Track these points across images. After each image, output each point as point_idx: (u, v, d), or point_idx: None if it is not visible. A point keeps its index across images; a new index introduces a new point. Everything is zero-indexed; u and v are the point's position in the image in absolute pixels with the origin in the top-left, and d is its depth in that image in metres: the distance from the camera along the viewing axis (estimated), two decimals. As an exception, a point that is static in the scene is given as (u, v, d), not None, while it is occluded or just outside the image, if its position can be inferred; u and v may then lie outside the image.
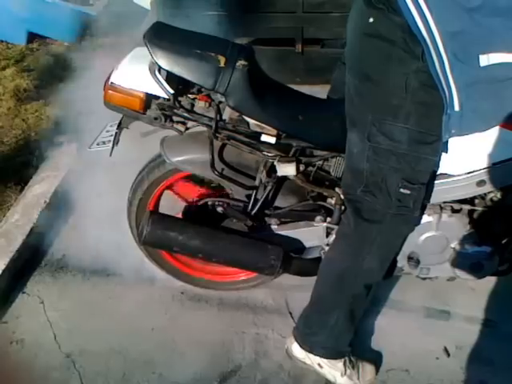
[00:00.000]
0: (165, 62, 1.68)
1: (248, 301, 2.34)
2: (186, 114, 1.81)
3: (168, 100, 1.77)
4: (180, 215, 2.08)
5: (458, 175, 1.79)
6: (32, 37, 3.96)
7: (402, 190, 1.64)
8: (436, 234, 1.96)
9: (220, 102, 1.78)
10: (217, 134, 1.82)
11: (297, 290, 2.28)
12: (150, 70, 1.73)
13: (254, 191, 1.96)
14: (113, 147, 1.91)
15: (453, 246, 1.99)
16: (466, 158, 1.74)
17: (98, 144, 1.92)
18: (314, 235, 2.05)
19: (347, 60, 1.65)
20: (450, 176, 1.79)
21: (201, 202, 2.08)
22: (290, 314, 2.28)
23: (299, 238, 2.07)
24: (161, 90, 1.74)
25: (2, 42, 4.00)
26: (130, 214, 2.15)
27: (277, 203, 2.01)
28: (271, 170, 1.90)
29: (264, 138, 1.82)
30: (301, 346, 2.00)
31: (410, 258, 2.01)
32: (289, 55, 3.30)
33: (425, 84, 1.45)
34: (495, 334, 2.20)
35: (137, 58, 1.81)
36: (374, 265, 1.83)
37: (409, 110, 1.50)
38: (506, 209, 1.90)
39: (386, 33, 1.44)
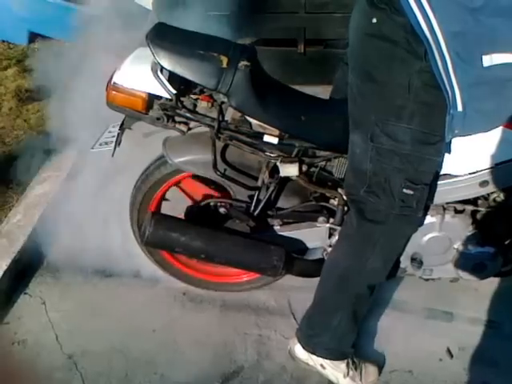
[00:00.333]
0: (167, 62, 1.68)
1: (250, 302, 2.34)
2: (188, 115, 1.81)
3: (170, 100, 1.77)
4: (182, 216, 2.07)
5: (461, 176, 1.78)
6: (33, 37, 3.96)
7: (405, 191, 1.63)
8: (439, 234, 1.96)
9: (222, 103, 1.78)
10: (219, 135, 1.82)
11: (299, 291, 2.27)
12: (152, 70, 1.73)
13: (257, 192, 1.95)
14: (115, 148, 1.91)
15: (456, 246, 1.99)
16: (468, 158, 1.74)
17: (100, 144, 1.92)
18: (316, 236, 2.05)
19: (350, 60, 1.64)
20: (452, 176, 1.79)
21: (203, 203, 2.07)
22: (293, 315, 2.27)
23: (302, 239, 2.07)
24: (163, 91, 1.74)
25: (4, 42, 4.00)
26: (132, 214, 2.14)
27: (279, 204, 2.01)
28: (274, 171, 1.90)
29: (266, 138, 1.82)
30: (303, 348, 2.00)
31: (413, 259, 2.01)
32: (291, 56, 3.30)
33: (428, 84, 1.45)
34: (498, 335, 2.19)
35: (139, 59, 1.81)
36: (377, 265, 1.83)
37: (412, 110, 1.50)
38: (509, 209, 1.90)
39: (389, 33, 1.43)
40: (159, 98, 1.78)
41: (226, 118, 1.82)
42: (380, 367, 2.08)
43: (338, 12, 3.06)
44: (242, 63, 1.70)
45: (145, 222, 1.95)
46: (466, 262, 2.00)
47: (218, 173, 1.88)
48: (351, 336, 1.97)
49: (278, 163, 1.86)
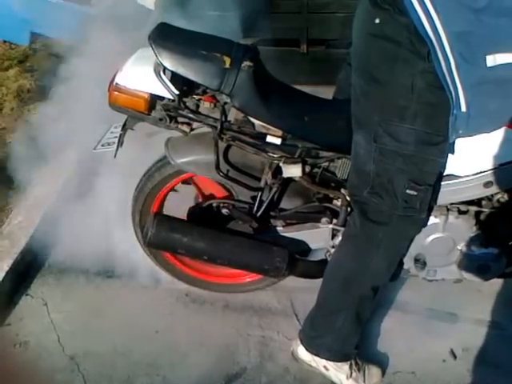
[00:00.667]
0: (170, 62, 1.68)
1: (253, 303, 2.33)
2: (190, 115, 1.80)
3: (173, 101, 1.77)
4: (185, 217, 2.07)
5: (465, 176, 1.78)
6: (35, 37, 3.95)
7: (408, 192, 1.63)
8: (443, 235, 1.95)
9: (225, 103, 1.78)
10: (222, 135, 1.81)
11: (302, 292, 2.26)
12: (154, 70, 1.73)
13: (260, 193, 1.95)
14: (117, 148, 1.91)
15: (459, 247, 1.98)
16: (472, 159, 1.74)
17: (102, 145, 1.92)
18: (319, 237, 2.04)
19: (353, 61, 1.64)
20: (456, 177, 1.78)
21: (205, 204, 2.06)
22: (296, 316, 2.27)
23: (305, 240, 2.06)
24: (166, 91, 1.74)
25: (5, 42, 3.99)
26: (134, 215, 2.14)
27: (282, 205, 2.00)
28: (276, 172, 1.89)
29: (269, 139, 1.81)
30: (306, 349, 1.99)
31: (416, 260, 2.00)
32: (293, 56, 3.29)
33: (431, 85, 1.44)
34: (502, 336, 2.18)
35: (141, 59, 1.81)
36: (380, 267, 1.82)
37: (415, 110, 1.49)
38: (513, 210, 1.89)
39: (392, 33, 1.43)
40: (162, 98, 1.78)
41: (228, 119, 1.82)
42: (383, 368, 2.08)
43: (341, 12, 3.06)
44: (245, 63, 1.69)
45: (147, 223, 1.95)
46: (469, 263, 1.99)
47: (221, 173, 1.88)
48: (354, 337, 1.97)
49: (280, 164, 1.86)
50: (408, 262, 2.00)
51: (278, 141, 1.81)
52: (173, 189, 2.12)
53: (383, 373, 2.06)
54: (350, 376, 1.99)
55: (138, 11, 2.80)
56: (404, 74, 1.46)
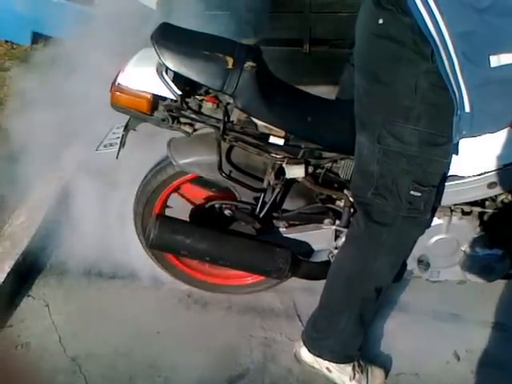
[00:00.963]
0: (172, 62, 1.67)
1: (256, 304, 2.32)
2: (193, 116, 1.79)
3: (175, 101, 1.76)
4: (187, 218, 2.06)
5: (469, 177, 1.78)
6: (37, 37, 3.94)
7: (412, 193, 1.62)
8: (446, 236, 1.95)
9: (228, 104, 1.77)
10: (224, 136, 1.80)
11: (305, 294, 2.26)
12: (157, 71, 1.72)
13: (262, 193, 1.94)
14: (119, 149, 1.90)
15: (463, 248, 1.98)
16: (476, 159, 1.74)
17: (104, 146, 1.91)
18: (322, 238, 2.04)
19: (356, 61, 1.63)
20: (460, 178, 1.78)
21: (208, 205, 2.06)
22: (299, 317, 2.26)
23: (307, 241, 2.05)
24: (168, 92, 1.73)
25: (7, 42, 3.98)
26: (136, 216, 2.13)
27: (285, 206, 2.00)
28: (279, 172, 1.89)
29: (272, 139, 1.80)
30: (309, 351, 1.98)
31: (419, 261, 2.00)
32: (296, 55, 3.29)
33: (435, 85, 1.44)
34: (506, 338, 2.17)
35: (143, 59, 1.80)
36: (383, 268, 1.81)
37: (419, 111, 1.49)
38: (517, 211, 1.88)
39: (396, 34, 1.42)
40: (164, 99, 1.77)
41: (231, 119, 1.81)
42: (386, 370, 2.07)
43: (344, 12, 3.06)
44: (248, 64, 1.69)
45: (149, 224, 1.95)
46: (473, 264, 1.99)
47: (224, 174, 1.87)
48: (358, 339, 1.96)
49: (283, 165, 1.85)
50: (411, 263, 2.00)
51: (280, 141, 1.80)
52: (175, 190, 2.12)
53: (386, 374, 2.06)
54: (353, 377, 1.98)
55: (140, 11, 2.80)
56: (407, 75, 1.45)
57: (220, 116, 1.78)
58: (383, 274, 1.84)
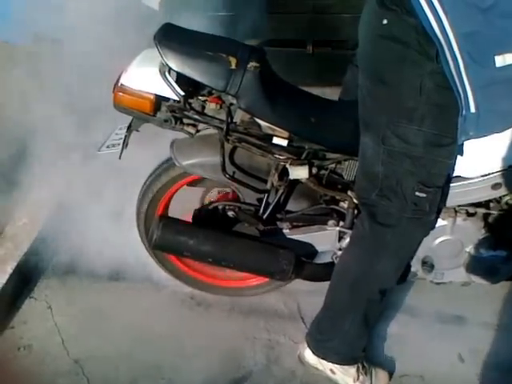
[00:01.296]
0: (175, 63, 1.66)
1: (259, 306, 2.32)
2: (196, 116, 1.79)
3: (178, 102, 1.75)
4: (190, 219, 2.05)
5: (473, 178, 1.77)
6: (38, 38, 3.93)
7: (417, 194, 1.61)
8: (451, 238, 1.94)
9: (231, 104, 1.76)
10: (228, 137, 1.80)
11: (309, 295, 2.25)
12: (160, 71, 1.71)
13: (266, 195, 1.93)
14: (122, 150, 1.89)
15: (467, 250, 1.97)
16: (481, 160, 1.73)
17: (107, 147, 1.90)
18: (326, 239, 2.03)
19: (360, 62, 1.62)
20: (464, 179, 1.77)
21: (211, 206, 2.05)
22: (302, 319, 2.25)
23: (311, 243, 2.05)
24: (171, 92, 1.72)
25: (8, 43, 3.97)
26: (139, 218, 2.12)
27: (289, 207, 1.99)
28: (283, 173, 1.88)
29: (276, 140, 1.79)
30: (313, 352, 1.98)
31: (424, 263, 1.99)
32: (299, 56, 3.29)
33: (440, 86, 1.43)
34: (511, 340, 2.16)
35: (146, 60, 1.79)
36: (388, 269, 1.81)
37: (423, 112, 1.48)
38: (521, 212, 1.87)
39: (400, 34, 1.41)
40: (167, 99, 1.76)
41: (234, 120, 1.80)
42: (390, 372, 2.06)
43: (347, 13, 3.05)
44: (251, 64, 1.68)
45: (152, 225, 1.94)
46: (477, 265, 1.98)
47: (227, 176, 1.86)
48: (362, 341, 1.95)
49: (287, 166, 1.84)
50: (415, 265, 1.99)
51: (284, 142, 1.79)
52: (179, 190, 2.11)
53: (390, 376, 2.05)
54: (357, 379, 1.98)
55: (143, 11, 2.79)
56: (412, 75, 1.44)
57: (223, 117, 1.77)
58: (387, 276, 1.83)
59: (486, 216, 1.91)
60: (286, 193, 1.94)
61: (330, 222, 2.00)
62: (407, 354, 2.12)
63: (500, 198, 1.86)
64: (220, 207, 2.05)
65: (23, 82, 3.13)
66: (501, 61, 1.36)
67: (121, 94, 1.77)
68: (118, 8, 2.65)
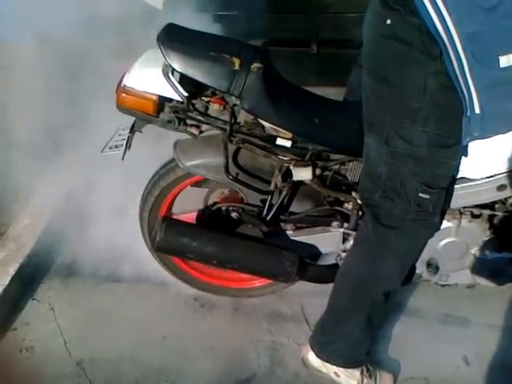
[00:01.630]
0: (179, 64, 1.65)
1: (263, 308, 2.30)
2: (199, 117, 1.78)
3: (182, 103, 1.74)
4: (193, 220, 2.04)
5: (478, 179, 1.75)
6: (41, 38, 3.93)
7: (421, 195, 1.60)
8: (455, 239, 1.93)
9: (235, 105, 1.75)
10: (231, 138, 1.79)
11: (313, 297, 2.24)
12: (163, 72, 1.70)
13: (269, 196, 1.92)
14: (125, 151, 1.89)
15: (473, 252, 1.96)
16: (486, 161, 1.72)
17: (110, 148, 1.90)
18: (330, 241, 2.02)
19: (364, 62, 1.61)
20: (469, 180, 1.76)
21: (214, 207, 2.04)
22: (306, 321, 2.24)
23: (315, 244, 2.03)
24: (174, 93, 1.71)
25: (10, 43, 3.97)
26: (142, 219, 2.12)
27: (292, 208, 1.97)
28: (287, 175, 1.87)
29: (279, 141, 1.78)
30: (317, 355, 1.96)
31: (428, 265, 1.98)
32: (303, 56, 3.28)
33: (443, 86, 1.41)
34: (516, 342, 2.15)
35: (149, 60, 1.78)
36: (392, 271, 1.79)
37: (427, 112, 1.47)
38: (527, 214, 1.86)
39: (404, 34, 1.40)
40: (170, 100, 1.75)
41: (238, 121, 1.79)
42: (395, 375, 2.04)
43: (351, 12, 3.04)
44: (255, 65, 1.67)
45: (155, 227, 1.93)
46: (483, 267, 1.97)
47: (230, 177, 1.85)
48: (366, 343, 1.94)
49: (291, 167, 1.83)
50: (420, 267, 1.98)
51: (288, 143, 1.78)
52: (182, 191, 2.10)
53: (395, 379, 2.03)
54: (362, 382, 1.96)
55: (146, 11, 2.79)
56: (416, 76, 1.43)
57: (226, 118, 1.76)
58: (391, 278, 1.82)
59: (491, 217, 1.90)
60: (289, 194, 1.92)
61: (334, 224, 1.98)
62: (412, 357, 2.10)
63: (505, 199, 1.85)
64: (223, 208, 2.04)
65: (24, 81, 3.13)
66: (505, 61, 1.35)
67: (124, 94, 1.76)
68: (120, 8, 2.64)
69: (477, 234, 1.92)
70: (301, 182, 1.89)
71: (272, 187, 1.91)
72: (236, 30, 2.55)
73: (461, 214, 1.89)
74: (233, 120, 1.76)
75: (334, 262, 2.06)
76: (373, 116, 1.60)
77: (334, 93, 2.02)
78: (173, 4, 2.77)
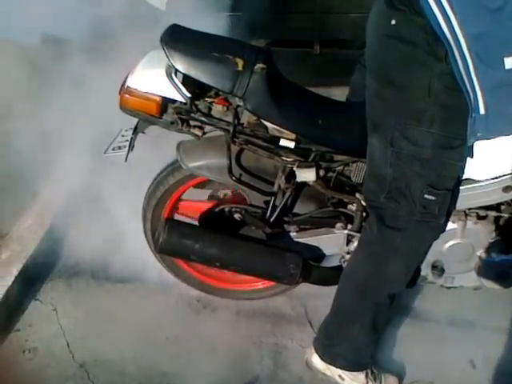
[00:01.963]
0: (182, 64, 1.65)
1: (266, 309, 2.29)
2: (203, 118, 1.77)
3: (185, 104, 1.73)
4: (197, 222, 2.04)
5: (484, 181, 1.74)
6: (45, 37, 3.92)
7: (426, 196, 1.59)
8: (461, 241, 1.91)
9: (238, 106, 1.74)
10: (234, 139, 1.78)
11: (317, 299, 2.23)
12: (166, 73, 1.70)
13: (273, 197, 1.91)
14: (128, 152, 1.88)
15: (478, 254, 1.94)
16: (491, 162, 1.70)
17: (113, 149, 1.88)
18: (334, 243, 2.00)
19: (368, 62, 1.60)
20: (475, 181, 1.74)
21: (218, 209, 2.03)
22: (310, 323, 2.23)
23: (319, 246, 2.02)
24: (177, 94, 1.71)
25: (16, 42, 3.97)
26: (145, 221, 2.11)
27: (296, 210, 1.96)
28: (290, 176, 1.86)
29: (283, 142, 1.77)
30: (321, 358, 1.95)
31: (434, 267, 1.97)
32: (307, 57, 3.28)
33: (449, 87, 1.40)
34: (523, 345, 2.13)
35: (152, 61, 1.77)
36: (397, 273, 1.78)
37: (432, 113, 1.45)
38: (533, 215, 1.84)
39: (409, 35, 1.39)
40: (173, 101, 1.74)
41: (241, 122, 1.78)
42: (400, 378, 2.03)
43: (354, 12, 3.04)
44: (258, 66, 1.66)
45: (158, 228, 1.93)
46: (489, 269, 1.95)
47: (233, 178, 1.84)
48: (371, 346, 1.93)
49: (294, 168, 1.82)
50: (425, 269, 1.96)
51: (291, 144, 1.77)
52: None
53: (400, 382, 2.02)
54: (366, 385, 1.95)
55: (149, 12, 2.78)
56: (421, 76, 1.42)
57: (230, 119, 1.75)
58: (396, 280, 1.81)
59: (497, 219, 1.89)
60: (293, 195, 1.92)
61: (338, 225, 1.97)
62: (417, 360, 2.09)
63: (511, 200, 1.82)
64: (226, 210, 2.03)
65: (30, 80, 3.13)
66: (510, 63, 1.34)
67: (127, 96, 1.76)
68: (124, 9, 2.63)
69: (482, 235, 1.90)
70: (304, 184, 1.88)
71: (275, 188, 1.90)
72: (239, 31, 2.55)
73: (466, 215, 1.87)
74: (236, 121, 1.75)
75: (339, 263, 2.04)
76: (377, 117, 1.59)
77: (337, 93, 2.01)
78: (176, 5, 2.77)
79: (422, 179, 1.56)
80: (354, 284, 1.85)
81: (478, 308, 2.22)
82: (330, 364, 1.94)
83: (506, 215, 1.87)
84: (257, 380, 2.06)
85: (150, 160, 2.17)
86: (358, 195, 1.89)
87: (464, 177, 1.66)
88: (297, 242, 2.01)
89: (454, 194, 1.64)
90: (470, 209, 1.85)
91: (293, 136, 1.76)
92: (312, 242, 2.01)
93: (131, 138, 1.88)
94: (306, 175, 1.82)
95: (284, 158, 1.81)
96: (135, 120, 1.85)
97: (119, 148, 1.90)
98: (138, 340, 2.20)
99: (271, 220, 1.93)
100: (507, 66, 1.33)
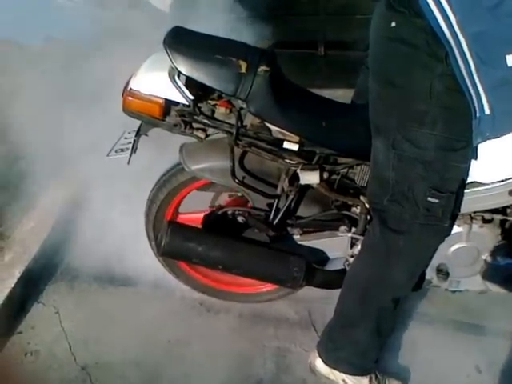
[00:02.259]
0: (185, 67, 1.64)
1: (269, 313, 2.28)
2: (206, 121, 1.76)
3: (188, 106, 1.73)
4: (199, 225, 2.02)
5: (489, 184, 1.72)
6: (48, 39, 3.92)
7: (430, 199, 1.57)
8: (466, 245, 1.89)
9: (241, 108, 1.73)
10: (238, 141, 1.77)
11: (320, 302, 2.22)
12: (169, 75, 1.69)
13: (276, 200, 1.90)
14: (131, 154, 1.87)
15: (484, 257, 1.92)
16: (497, 165, 1.68)
17: (116, 151, 1.88)
18: (338, 246, 1.99)
19: (370, 64, 1.59)
20: (480, 184, 1.72)
21: (221, 212, 2.02)
22: (314, 327, 2.22)
23: (323, 249, 2.01)
24: (180, 96, 1.70)
25: (18, 44, 3.97)
26: (148, 223, 2.10)
27: (299, 212, 1.95)
28: (294, 178, 1.85)
29: (286, 145, 1.76)
30: (325, 362, 1.94)
31: (439, 271, 1.95)
32: (311, 58, 3.27)
33: (450, 88, 1.39)
34: (529, 350, 2.11)
35: (155, 64, 1.77)
36: (401, 277, 1.76)
37: (434, 115, 1.44)
38: (539, 219, 1.82)
39: (409, 37, 1.38)
40: (176, 103, 1.74)
41: (244, 124, 1.77)
42: (405, 383, 2.01)
43: (358, 14, 3.03)
44: (262, 68, 1.65)
45: (161, 231, 1.92)
46: (494, 273, 1.93)
47: (237, 180, 1.83)
48: (375, 351, 1.91)
49: (298, 170, 1.81)
50: (430, 273, 1.95)
51: (295, 147, 1.76)
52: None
53: (404, 387, 2.01)
54: (370, 390, 1.94)
55: (153, 14, 2.78)
56: (422, 78, 1.41)
57: (233, 121, 1.74)
58: (400, 284, 1.79)
59: (502, 223, 1.87)
60: (296, 198, 1.90)
61: (342, 228, 1.96)
62: (422, 364, 2.07)
63: (517, 204, 1.81)
64: (229, 212, 2.01)
65: (33, 83, 3.13)
66: None
67: (130, 98, 1.75)
68: (127, 11, 2.63)
69: (488, 239, 1.88)
70: (308, 186, 1.86)
71: (279, 191, 1.89)
72: (243, 33, 2.54)
73: (472, 218, 1.85)
74: (239, 123, 1.74)
75: (342, 267, 2.03)
76: (379, 119, 1.58)
77: (342, 95, 2.00)
78: (179, 7, 2.77)
79: (424, 182, 1.55)
80: (356, 288, 1.83)
81: (484, 312, 2.20)
82: (334, 368, 1.93)
83: (511, 219, 1.84)
84: (260, 383, 2.05)
85: (152, 162, 2.16)
86: (361, 198, 1.88)
87: (469, 180, 1.64)
88: (300, 245, 2.00)
89: (459, 196, 1.62)
90: (475, 212, 1.83)
91: (296, 138, 1.75)
92: (316, 245, 2.00)
93: (134, 141, 1.87)
94: (310, 178, 1.81)
95: (287, 161, 1.80)
96: (138, 122, 1.85)
97: (122, 150, 1.90)
98: (141, 343, 2.20)
99: (274, 223, 1.92)
100: (509, 64, 1.31)
